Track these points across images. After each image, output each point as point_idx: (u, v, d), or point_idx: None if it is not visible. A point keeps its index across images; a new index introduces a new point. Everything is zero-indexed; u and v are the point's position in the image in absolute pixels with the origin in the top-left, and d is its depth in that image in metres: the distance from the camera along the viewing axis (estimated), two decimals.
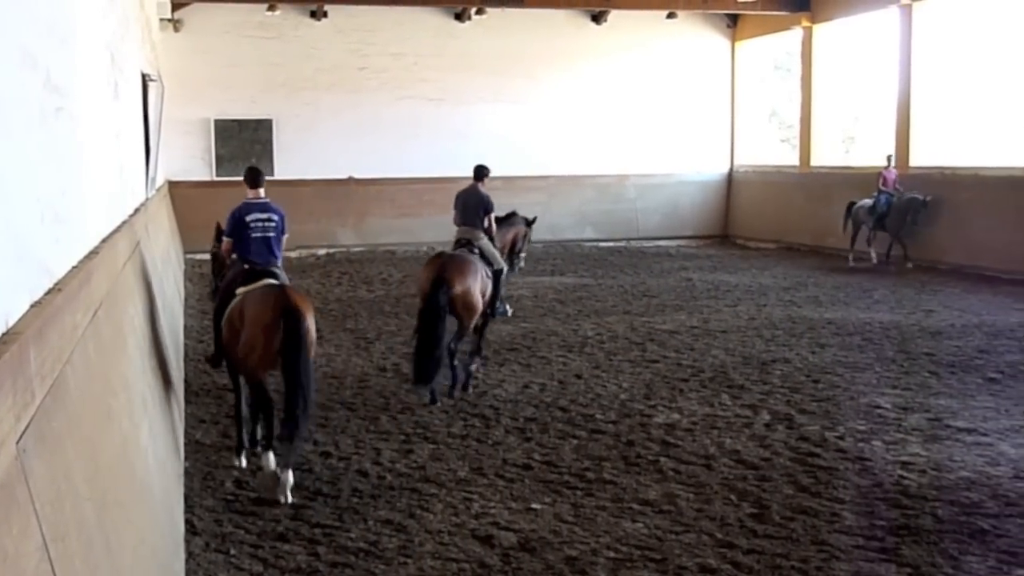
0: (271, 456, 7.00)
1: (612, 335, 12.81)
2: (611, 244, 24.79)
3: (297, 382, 6.83)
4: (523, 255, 11.89)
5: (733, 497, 6.83)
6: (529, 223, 12.03)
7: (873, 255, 19.88)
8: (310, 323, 7.05)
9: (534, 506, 6.68)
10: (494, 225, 10.48)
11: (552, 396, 9.69)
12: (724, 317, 14.16)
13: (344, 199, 23.88)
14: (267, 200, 7.99)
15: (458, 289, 9.49)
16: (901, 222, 19.20)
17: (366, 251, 23.32)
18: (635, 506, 6.67)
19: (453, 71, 24.45)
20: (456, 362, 9.80)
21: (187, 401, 9.40)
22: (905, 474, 7.25)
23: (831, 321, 13.66)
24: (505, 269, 10.63)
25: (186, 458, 7.67)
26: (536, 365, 11.08)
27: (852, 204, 20.20)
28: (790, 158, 25.63)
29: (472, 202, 10.35)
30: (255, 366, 7.08)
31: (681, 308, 14.99)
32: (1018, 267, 17.43)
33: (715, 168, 26.61)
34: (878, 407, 9.15)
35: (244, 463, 7.58)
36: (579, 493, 6.93)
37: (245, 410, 7.72)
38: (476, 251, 10.17)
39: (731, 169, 26.62)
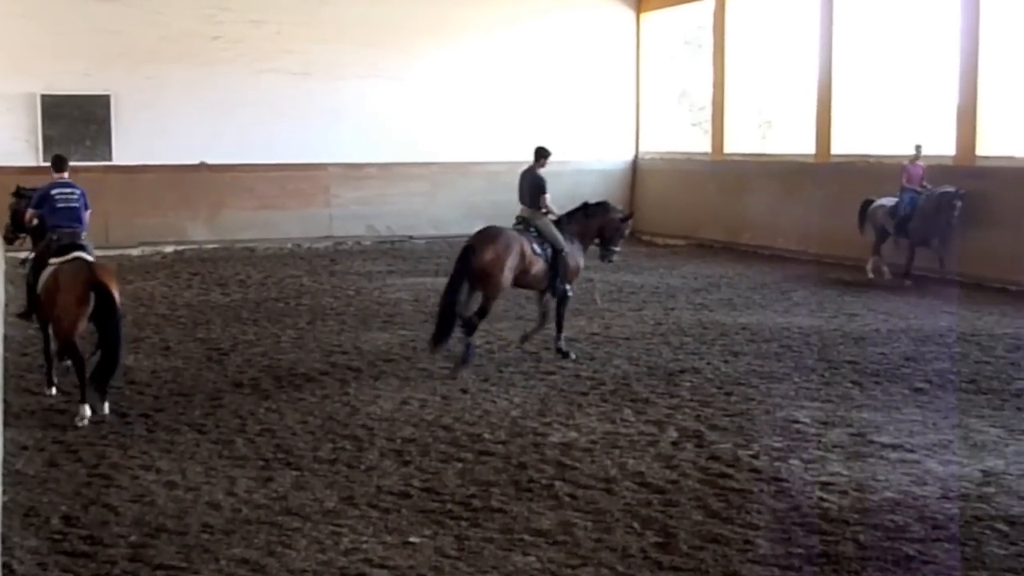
0: (86, 408, 9.40)
1: (503, 344, 12.85)
2: None
3: (111, 343, 9.41)
4: (617, 249, 12.93)
5: (636, 525, 6.92)
6: (625, 218, 12.94)
7: (883, 268, 18.48)
8: (116, 294, 9.58)
9: (412, 539, 6.67)
10: (548, 205, 12.17)
11: (434, 413, 9.68)
12: (628, 323, 14.35)
13: (195, 188, 23.43)
14: (70, 180, 10.48)
15: (484, 257, 11.33)
16: (929, 226, 17.62)
17: (221, 248, 22.95)
18: (527, 537, 6.70)
19: (322, 42, 24.19)
20: (470, 339, 11.48)
21: (6, 425, 9.11)
22: (825, 496, 7.45)
23: (746, 326, 13.94)
24: (566, 250, 12.06)
25: (4, 491, 7.43)
26: (416, 378, 11.07)
27: (868, 203, 18.77)
28: (702, 144, 26.06)
29: (527, 183, 12.31)
30: (67, 329, 9.47)
31: (580, 313, 15.09)
32: (950, 266, 17.99)
33: (618, 155, 26.90)
34: (796, 422, 9.38)
35: (54, 391, 10.27)
36: (463, 523, 6.95)
37: (53, 349, 10.26)
38: (532, 230, 11.96)
39: (636, 156, 26.95)
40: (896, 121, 20.83)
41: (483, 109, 25.52)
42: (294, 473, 8.00)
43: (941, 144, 19.19)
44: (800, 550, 6.51)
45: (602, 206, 12.76)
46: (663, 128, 27.00)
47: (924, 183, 18.19)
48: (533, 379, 11.05)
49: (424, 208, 25.31)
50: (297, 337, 13.38)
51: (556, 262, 11.99)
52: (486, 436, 8.95)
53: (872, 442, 8.76)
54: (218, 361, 11.98)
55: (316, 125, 24.16)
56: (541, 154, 12.47)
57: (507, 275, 11.55)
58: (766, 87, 25.09)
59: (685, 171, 25.51)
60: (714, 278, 18.75)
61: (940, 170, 18.69)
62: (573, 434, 9.02)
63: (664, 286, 17.79)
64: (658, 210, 26.07)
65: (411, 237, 24.71)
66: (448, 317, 11.25)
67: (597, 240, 12.76)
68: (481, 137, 25.58)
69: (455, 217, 25.40)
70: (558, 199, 26.19)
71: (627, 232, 12.89)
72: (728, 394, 10.41)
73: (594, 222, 12.61)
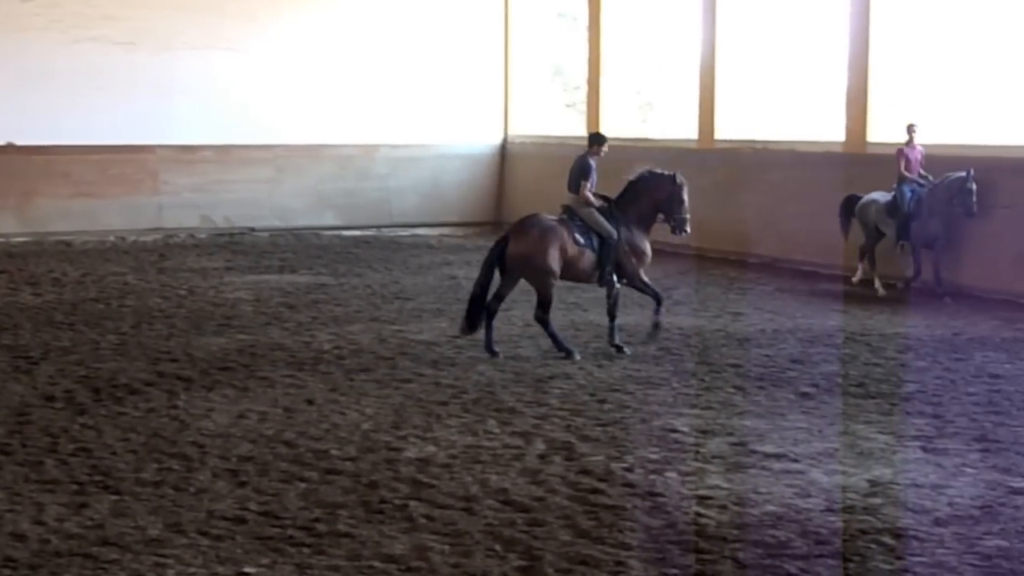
0: None
1: (354, 348, 12.84)
2: (356, 233, 24.78)
3: None
4: (686, 216, 12.98)
5: (498, 547, 6.98)
6: (673, 177, 12.93)
7: (877, 283, 17.13)
8: None
9: (247, 570, 6.62)
10: (585, 194, 12.67)
11: (275, 428, 9.62)
12: (494, 323, 14.40)
13: (0, 173, 22.85)
14: None
15: (518, 248, 12.32)
16: (941, 222, 16.36)
17: (31, 242, 22.40)
18: (377, 564, 6.71)
19: (149, 7, 23.81)
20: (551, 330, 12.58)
21: None
22: (703, 511, 7.62)
23: (622, 327, 14.06)
24: (615, 237, 12.58)
25: None
26: (255, 389, 10.98)
27: (853, 199, 17.52)
28: (576, 127, 26.33)
29: (574, 169, 12.85)
30: None
31: (442, 313, 15.17)
32: (837, 260, 18.54)
33: (485, 138, 27.03)
34: (674, 431, 9.57)
35: None
36: (306, 551, 6.92)
37: None
38: (576, 219, 12.60)
39: (505, 140, 27.11)
40: (783, 104, 21.36)
41: (335, 85, 25.40)
42: (113, 498, 7.86)
43: (833, 129, 19.76)
44: (675, 570, 6.65)
45: (643, 178, 12.97)
46: (534, 109, 27.20)
47: (923, 171, 16.92)
48: (387, 388, 11.05)
49: (267, 196, 25.10)
50: (119, 343, 13.16)
51: (603, 251, 12.54)
52: (333, 452, 8.92)
53: (754, 452, 8.99)
54: (26, 371, 11.70)
55: (143, 102, 23.76)
56: (594, 140, 13.07)
57: (552, 262, 12.32)
58: (646, 65, 25.47)
59: (558, 156, 25.38)
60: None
61: (829, 157, 19.23)
62: (431, 448, 9.05)
63: None
64: (529, 199, 26.07)
65: (252, 229, 24.46)
66: (477, 307, 12.35)
67: (661, 216, 13.03)
68: (333, 117, 25.46)
69: (302, 207, 25.31)
70: (419, 186, 26.44)
71: (685, 193, 12.93)
72: (601, 402, 10.56)
73: (646, 198, 12.90)
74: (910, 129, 16.88)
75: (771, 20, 21.47)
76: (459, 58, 26.51)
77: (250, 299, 16.27)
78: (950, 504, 7.80)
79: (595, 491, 8.02)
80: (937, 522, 7.44)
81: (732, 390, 11.06)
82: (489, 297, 12.52)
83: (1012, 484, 8.23)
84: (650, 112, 27.77)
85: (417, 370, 11.81)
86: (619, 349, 12.67)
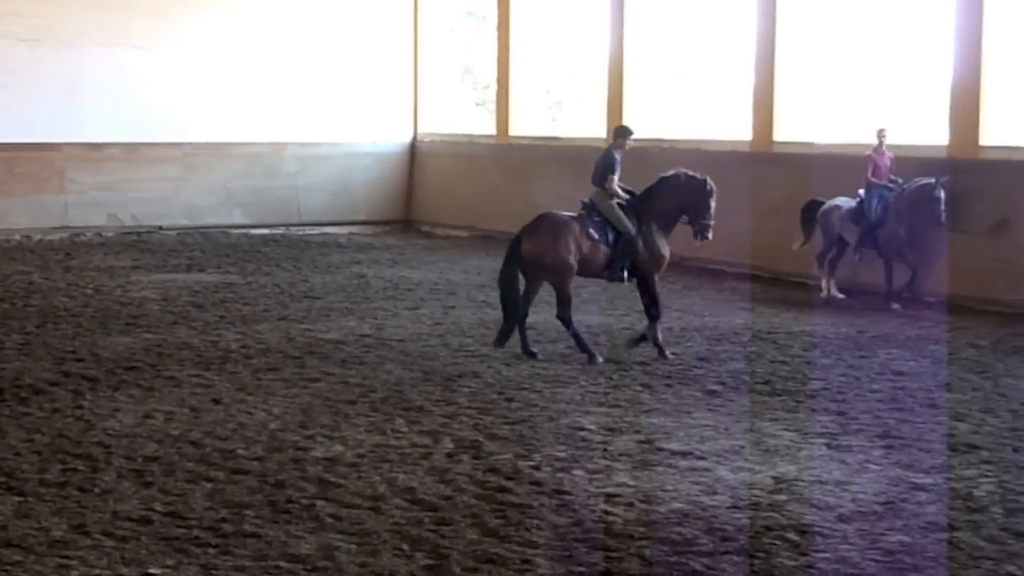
0: None
1: (262, 348, 12.74)
2: (265, 231, 24.56)
3: None
4: (710, 223, 12.80)
5: (405, 546, 6.96)
6: (704, 181, 12.70)
7: (833, 289, 16.45)
8: None
9: (152, 571, 6.56)
10: (612, 187, 12.57)
11: (181, 428, 9.53)
12: (403, 323, 14.40)
13: None
14: None
15: (530, 247, 12.27)
16: (908, 232, 15.72)
17: None
18: (283, 564, 6.67)
19: (57, 4, 23.41)
20: (576, 331, 12.45)
21: None
22: (610, 509, 7.66)
23: (531, 326, 14.11)
24: (632, 232, 12.45)
25: None
26: (161, 388, 10.86)
27: (815, 204, 16.65)
28: (486, 126, 26.37)
29: (599, 163, 12.75)
30: None
31: (351, 312, 15.10)
32: (744, 259, 18.72)
33: (395, 137, 26.92)
34: (582, 429, 9.61)
35: None
36: (212, 551, 6.86)
37: None
38: (595, 214, 12.52)
39: (414, 138, 27.04)
40: (691, 103, 21.54)
41: (243, 83, 25.14)
42: (16, 499, 7.74)
43: (739, 128, 19.97)
44: (582, 568, 6.67)
45: (675, 177, 12.80)
46: (444, 108, 27.16)
47: (892, 177, 16.09)
48: (295, 387, 10.98)
49: (175, 194, 24.78)
50: (24, 343, 12.92)
51: (617, 246, 12.44)
52: (240, 452, 8.84)
53: (661, 449, 9.05)
54: None
55: (49, 99, 23.32)
56: (618, 133, 13.05)
57: (566, 258, 12.27)
58: (556, 65, 25.56)
59: (467, 155, 25.72)
60: (498, 273, 18.95)
61: (736, 156, 19.43)
62: (338, 448, 9.00)
63: (444, 282, 17.91)
64: (438, 198, 26.25)
65: (160, 228, 24.14)
66: (509, 311, 12.34)
67: (685, 218, 12.87)
68: (241, 114, 25.19)
69: (211, 205, 25.03)
70: (328, 185, 26.33)
71: (713, 199, 12.75)
72: (509, 400, 10.56)
73: (671, 196, 12.71)
74: (880, 134, 16.08)
75: (679, 20, 21.65)
76: (368, 56, 26.38)
77: (157, 298, 16.06)
78: (854, 500, 7.91)
79: (502, 489, 8.03)
80: (841, 518, 7.54)
81: (639, 388, 11.13)
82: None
83: (914, 480, 8.37)
84: (559, 111, 27.84)
85: (325, 369, 11.74)
86: (661, 352, 12.38)
